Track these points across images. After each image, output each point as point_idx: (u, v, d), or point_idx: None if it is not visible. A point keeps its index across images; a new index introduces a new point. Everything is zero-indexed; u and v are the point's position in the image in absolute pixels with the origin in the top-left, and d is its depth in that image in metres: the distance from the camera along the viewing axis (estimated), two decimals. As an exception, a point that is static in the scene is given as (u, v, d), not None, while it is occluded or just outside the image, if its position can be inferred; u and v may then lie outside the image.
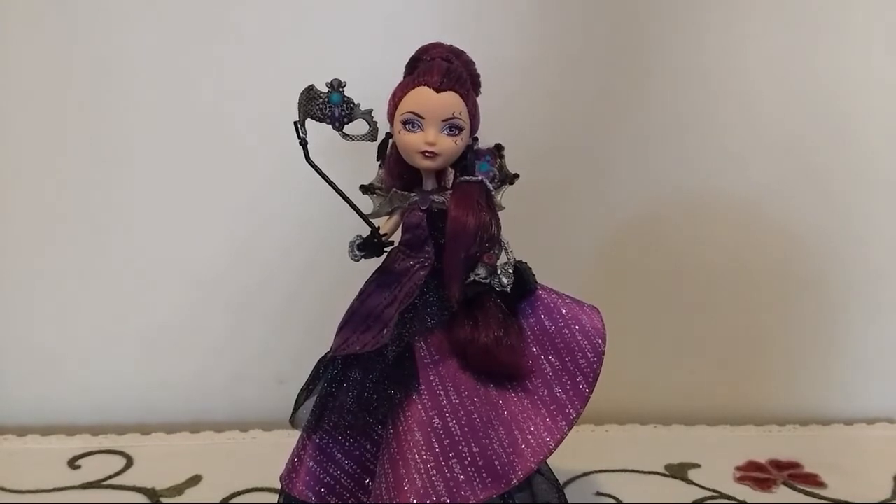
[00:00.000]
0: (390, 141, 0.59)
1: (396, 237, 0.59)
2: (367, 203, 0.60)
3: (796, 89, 0.84)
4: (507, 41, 0.82)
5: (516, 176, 0.59)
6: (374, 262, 0.60)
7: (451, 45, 0.58)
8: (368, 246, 0.58)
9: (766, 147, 0.86)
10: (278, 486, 0.61)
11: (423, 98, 0.55)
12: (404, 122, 0.56)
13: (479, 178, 0.57)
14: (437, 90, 0.55)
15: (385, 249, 0.59)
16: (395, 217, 0.59)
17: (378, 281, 0.59)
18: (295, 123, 0.55)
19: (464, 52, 0.58)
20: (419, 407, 0.54)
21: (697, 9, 0.82)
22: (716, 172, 0.86)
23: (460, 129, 0.56)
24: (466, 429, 0.54)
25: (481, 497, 0.53)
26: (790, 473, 0.77)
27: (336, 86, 0.55)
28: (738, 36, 0.83)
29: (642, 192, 0.86)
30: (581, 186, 0.86)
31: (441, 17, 0.81)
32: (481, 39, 0.77)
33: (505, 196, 0.59)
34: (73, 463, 0.78)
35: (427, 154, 0.56)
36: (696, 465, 0.78)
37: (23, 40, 0.80)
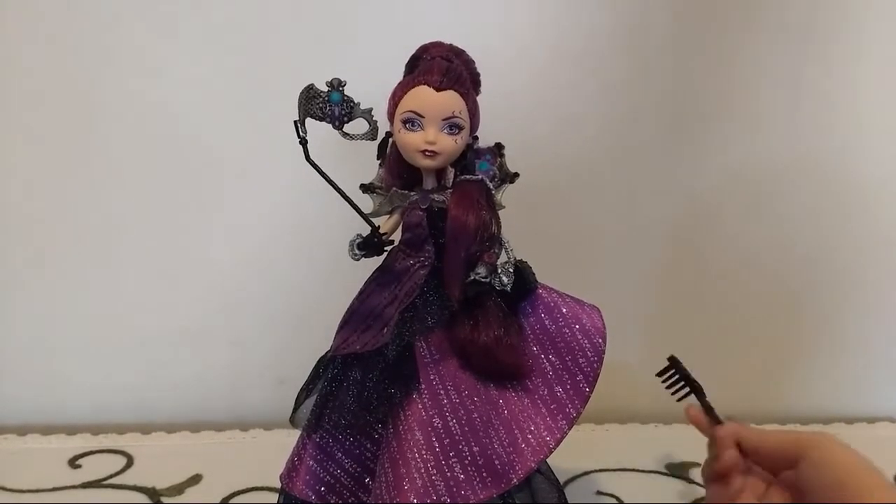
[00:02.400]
0: (390, 140, 0.58)
1: (396, 236, 0.59)
2: (367, 202, 0.60)
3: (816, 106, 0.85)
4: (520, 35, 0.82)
5: (516, 175, 0.59)
6: (375, 262, 0.60)
7: (450, 44, 0.58)
8: (368, 245, 0.58)
9: (769, 150, 0.86)
10: (278, 485, 0.61)
11: (423, 97, 0.55)
12: (404, 121, 0.56)
13: (479, 177, 0.57)
14: (437, 89, 0.55)
15: (385, 248, 0.59)
16: (396, 216, 0.59)
17: (378, 280, 0.59)
18: (295, 122, 0.55)
19: (464, 51, 0.58)
20: (419, 406, 0.54)
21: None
22: (719, 174, 0.86)
23: (460, 128, 0.56)
24: (466, 428, 0.54)
25: (481, 496, 0.53)
26: (791, 473, 0.77)
27: (336, 85, 0.55)
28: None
29: (648, 194, 0.86)
30: (582, 189, 0.86)
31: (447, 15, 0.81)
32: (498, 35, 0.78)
33: (506, 195, 0.59)
34: (73, 462, 0.78)
35: (427, 153, 0.55)
36: (697, 465, 0.78)
37: (32, 47, 0.80)
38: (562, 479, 0.64)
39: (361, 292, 0.60)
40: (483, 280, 0.56)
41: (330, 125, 0.56)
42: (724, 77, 0.83)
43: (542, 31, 0.82)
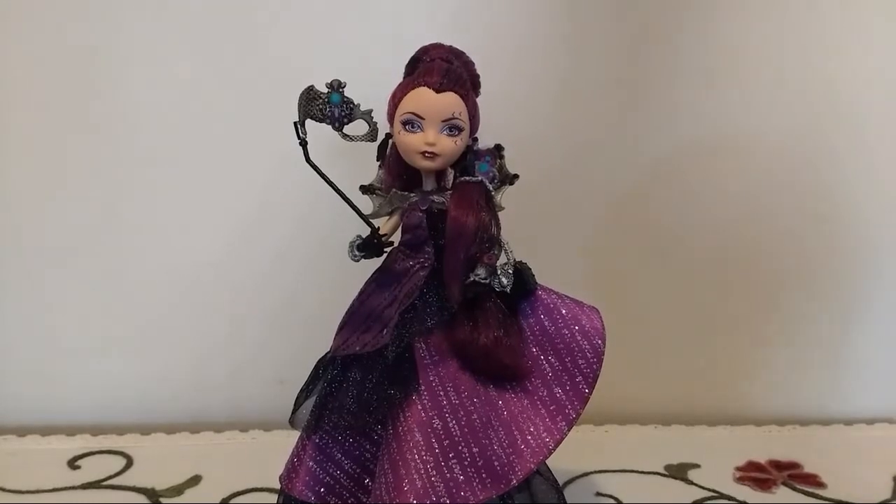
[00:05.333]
0: (390, 141, 0.59)
1: (396, 237, 0.60)
2: (366, 203, 0.60)
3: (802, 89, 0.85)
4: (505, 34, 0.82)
5: (516, 176, 0.60)
6: (374, 263, 0.60)
7: (450, 46, 0.58)
8: (368, 246, 0.58)
9: (763, 149, 0.86)
10: (278, 486, 0.61)
11: (423, 98, 0.55)
12: (404, 123, 0.56)
13: (479, 178, 0.58)
14: (437, 91, 0.55)
15: (385, 250, 0.59)
16: (395, 217, 0.59)
17: (378, 281, 0.59)
18: (295, 124, 0.55)
19: (463, 53, 0.58)
20: (419, 407, 0.54)
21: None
22: (708, 173, 0.86)
23: (460, 130, 0.56)
24: (466, 429, 0.54)
25: (481, 497, 0.53)
26: (790, 474, 0.77)
27: (336, 86, 0.55)
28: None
29: (640, 193, 0.86)
30: (579, 186, 0.86)
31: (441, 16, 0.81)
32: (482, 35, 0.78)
33: (505, 196, 0.60)
34: (73, 463, 0.78)
35: (427, 154, 0.56)
36: (696, 466, 0.78)
37: (23, 38, 0.80)
38: (561, 481, 0.64)
39: (361, 293, 0.60)
40: (482, 281, 0.56)
41: (330, 126, 0.56)
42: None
43: (539, 31, 0.82)
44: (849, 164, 0.86)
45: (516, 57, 0.81)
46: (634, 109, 0.84)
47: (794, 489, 0.75)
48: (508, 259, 0.57)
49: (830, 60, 0.84)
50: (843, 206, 0.87)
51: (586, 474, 0.76)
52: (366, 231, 0.59)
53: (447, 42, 0.58)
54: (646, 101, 0.84)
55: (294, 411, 0.61)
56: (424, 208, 0.57)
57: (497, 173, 0.59)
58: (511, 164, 0.60)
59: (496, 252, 0.56)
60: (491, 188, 0.58)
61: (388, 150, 0.59)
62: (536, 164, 0.77)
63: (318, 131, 0.56)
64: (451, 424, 0.54)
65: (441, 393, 0.55)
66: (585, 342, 0.57)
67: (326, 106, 0.55)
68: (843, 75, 0.84)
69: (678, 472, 0.78)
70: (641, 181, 0.86)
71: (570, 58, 0.83)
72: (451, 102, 0.55)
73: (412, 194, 0.58)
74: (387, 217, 0.60)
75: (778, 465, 0.78)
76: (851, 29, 0.84)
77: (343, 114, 0.55)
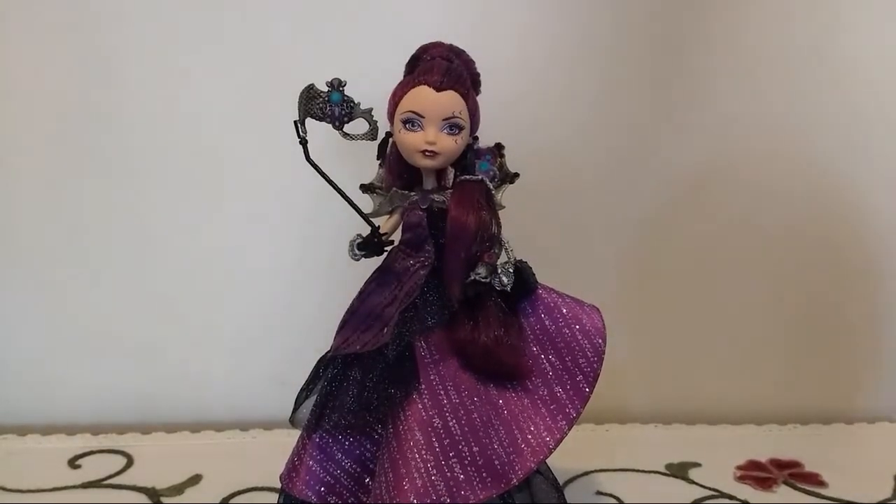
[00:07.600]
0: (390, 140, 0.59)
1: (396, 236, 0.60)
2: (367, 202, 0.60)
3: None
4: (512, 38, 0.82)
5: (516, 175, 0.60)
6: (375, 262, 0.60)
7: (451, 44, 0.58)
8: (368, 245, 0.58)
9: (764, 155, 0.86)
10: (278, 485, 0.61)
11: (423, 97, 0.55)
12: (404, 122, 0.56)
13: (480, 177, 0.58)
14: (438, 89, 0.55)
15: (385, 249, 0.59)
16: (396, 216, 0.59)
17: (378, 280, 0.59)
18: (295, 122, 0.55)
19: (464, 51, 0.58)
20: (419, 406, 0.54)
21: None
22: (711, 174, 0.86)
23: (460, 129, 0.56)
24: (466, 428, 0.54)
25: (481, 497, 0.53)
26: (791, 472, 0.77)
27: (336, 85, 0.55)
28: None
29: (642, 192, 0.86)
30: (585, 184, 0.86)
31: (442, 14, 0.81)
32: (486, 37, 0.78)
33: (506, 195, 0.60)
34: (73, 463, 0.78)
35: (427, 153, 0.56)
36: (697, 465, 0.78)
37: (26, 40, 0.80)
38: (561, 480, 0.64)
39: (361, 292, 0.59)
40: (483, 280, 0.56)
41: (330, 125, 0.56)
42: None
43: (540, 31, 0.82)
44: (850, 160, 0.86)
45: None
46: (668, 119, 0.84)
47: (795, 488, 0.75)
48: (509, 258, 0.57)
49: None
50: (842, 206, 0.87)
51: (587, 473, 0.76)
52: (366, 230, 0.58)
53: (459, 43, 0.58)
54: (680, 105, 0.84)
55: (294, 410, 0.61)
56: (425, 207, 0.57)
57: (497, 172, 0.59)
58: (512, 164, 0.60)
59: (497, 251, 0.56)
60: (491, 187, 0.58)
61: (388, 149, 0.59)
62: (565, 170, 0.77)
63: (318, 130, 0.56)
64: (451, 423, 0.54)
65: (441, 392, 0.55)
66: (586, 341, 0.57)
67: (327, 105, 0.55)
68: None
69: (679, 471, 0.77)
70: (662, 188, 0.86)
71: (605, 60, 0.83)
72: (451, 101, 0.55)
73: (412, 193, 0.58)
74: (387, 216, 0.60)
75: (779, 464, 0.78)
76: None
77: (343, 112, 0.55)
